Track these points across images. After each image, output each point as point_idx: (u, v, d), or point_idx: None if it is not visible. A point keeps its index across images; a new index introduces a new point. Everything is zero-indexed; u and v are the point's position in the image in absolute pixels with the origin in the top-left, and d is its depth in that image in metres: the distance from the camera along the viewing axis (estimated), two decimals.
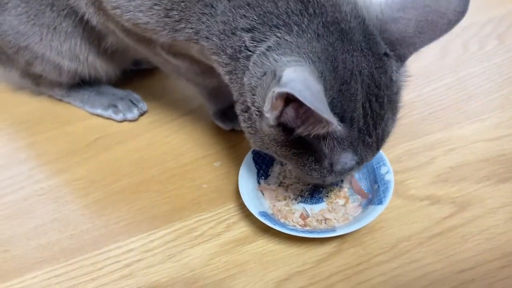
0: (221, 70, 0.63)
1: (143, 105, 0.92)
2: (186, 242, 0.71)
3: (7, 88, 0.99)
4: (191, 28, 0.62)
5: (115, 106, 0.91)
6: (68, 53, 0.84)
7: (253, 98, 0.58)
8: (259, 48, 0.57)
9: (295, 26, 0.56)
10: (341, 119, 0.56)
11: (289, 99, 0.52)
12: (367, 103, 0.58)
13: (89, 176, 0.82)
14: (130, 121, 0.91)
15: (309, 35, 0.56)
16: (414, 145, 0.81)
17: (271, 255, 0.69)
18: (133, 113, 0.91)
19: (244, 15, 0.57)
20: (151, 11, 0.63)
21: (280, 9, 0.56)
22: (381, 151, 0.74)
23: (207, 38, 0.61)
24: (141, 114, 0.92)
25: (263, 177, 0.75)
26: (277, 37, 0.56)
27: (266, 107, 0.53)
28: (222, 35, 0.59)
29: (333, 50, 0.56)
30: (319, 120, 0.52)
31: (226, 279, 0.67)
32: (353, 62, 0.56)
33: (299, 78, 0.51)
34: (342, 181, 0.74)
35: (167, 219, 0.74)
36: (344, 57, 0.56)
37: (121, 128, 0.90)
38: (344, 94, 0.56)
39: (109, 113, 0.91)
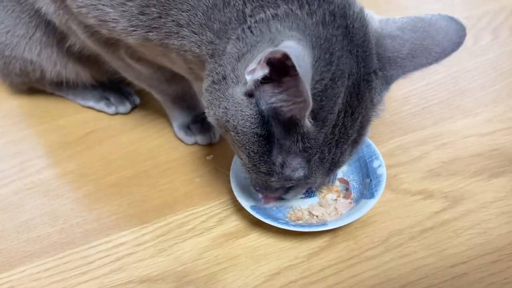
0: (203, 49, 0.59)
1: (136, 98, 0.92)
2: (178, 236, 0.71)
3: None
4: (172, 21, 0.59)
5: (108, 99, 0.91)
6: (48, 60, 0.84)
7: (237, 65, 0.55)
8: (262, 14, 0.54)
9: (306, 5, 0.54)
10: (315, 117, 0.54)
11: (274, 71, 0.50)
12: (342, 113, 0.56)
13: (80, 170, 0.82)
14: (123, 114, 0.91)
15: (317, 18, 0.54)
16: (407, 139, 0.81)
17: (263, 249, 0.69)
18: (125, 106, 0.90)
19: None
20: (123, 7, 0.61)
21: None
22: (374, 145, 0.74)
23: (188, 23, 0.58)
24: (134, 107, 0.91)
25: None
26: (289, 8, 0.54)
27: (250, 67, 0.51)
28: (211, 10, 0.57)
29: (334, 42, 0.54)
30: (298, 94, 0.49)
31: (217, 273, 0.67)
32: (346, 62, 0.55)
33: (298, 50, 0.48)
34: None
35: (158, 213, 0.74)
36: (340, 54, 0.54)
37: (113, 122, 0.90)
38: (328, 91, 0.54)
39: (102, 106, 0.91)
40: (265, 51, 0.48)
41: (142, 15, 0.60)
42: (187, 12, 0.58)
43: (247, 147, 0.57)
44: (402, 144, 0.80)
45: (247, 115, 0.55)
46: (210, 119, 0.60)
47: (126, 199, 0.77)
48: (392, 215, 0.71)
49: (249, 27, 0.55)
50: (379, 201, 0.68)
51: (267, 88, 0.52)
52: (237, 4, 0.56)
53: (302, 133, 0.55)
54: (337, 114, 0.56)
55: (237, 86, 0.55)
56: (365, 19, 0.58)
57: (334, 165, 0.60)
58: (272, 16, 0.54)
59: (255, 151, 0.57)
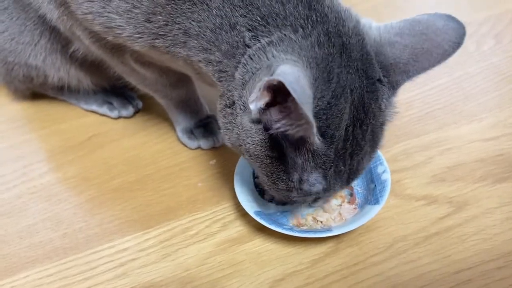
0: (210, 69, 0.60)
1: (138, 102, 0.92)
2: (181, 241, 0.71)
3: (0, 85, 0.98)
4: (179, 29, 0.59)
5: (110, 103, 0.91)
6: (52, 66, 0.84)
7: (242, 93, 0.57)
8: (258, 43, 0.56)
9: (300, 29, 0.55)
10: (322, 134, 0.55)
11: (276, 96, 0.51)
12: (350, 127, 0.56)
13: (82, 174, 0.81)
14: (125, 118, 0.90)
15: (312, 40, 0.55)
16: (410, 145, 0.80)
17: (266, 254, 0.68)
18: (128, 110, 0.90)
19: (245, 15, 0.56)
20: (129, 14, 0.60)
21: (287, 11, 0.55)
22: (378, 151, 0.73)
23: (197, 35, 0.59)
24: (136, 111, 0.91)
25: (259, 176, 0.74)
26: (282, 33, 0.55)
27: (252, 97, 0.52)
28: (218, 30, 0.57)
29: (331, 61, 0.55)
30: (299, 117, 0.50)
31: (221, 279, 0.66)
32: (347, 78, 0.55)
33: (293, 74, 0.50)
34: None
35: (162, 218, 0.74)
36: (339, 71, 0.55)
37: (116, 126, 0.89)
38: (332, 108, 0.54)
39: (104, 109, 0.90)
40: (263, 80, 0.49)
41: (149, 22, 0.60)
42: (197, 22, 0.58)
43: (263, 168, 0.59)
44: (406, 149, 0.80)
45: (258, 140, 0.57)
46: (226, 142, 0.62)
47: (129, 204, 0.76)
48: (396, 220, 0.71)
49: (250, 55, 0.56)
50: (383, 206, 0.67)
51: (273, 113, 0.53)
52: (241, 30, 0.56)
53: (312, 151, 0.56)
54: (345, 129, 0.56)
55: (244, 114, 0.57)
56: (361, 32, 0.58)
57: (353, 175, 0.61)
58: (267, 43, 0.55)
59: (272, 171, 0.59)
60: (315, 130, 0.51)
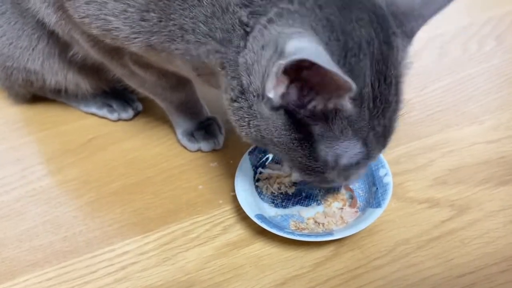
0: (211, 59, 0.58)
1: (138, 105, 0.91)
2: (182, 245, 0.70)
3: None
4: (174, 25, 0.58)
5: (110, 105, 0.90)
6: (50, 70, 0.84)
7: (249, 79, 0.54)
8: (258, 23, 0.53)
9: None
10: (351, 96, 0.51)
11: (294, 73, 0.48)
12: (376, 82, 0.53)
13: (82, 177, 0.81)
14: (125, 120, 0.90)
15: (311, 2, 0.52)
16: (412, 147, 0.80)
17: (267, 258, 0.68)
18: (128, 112, 0.90)
19: None
20: (124, 14, 0.60)
21: None
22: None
23: (193, 30, 0.57)
24: (136, 114, 0.91)
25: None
26: (279, 7, 0.52)
27: (269, 85, 0.49)
28: (210, 19, 0.56)
29: (339, 18, 0.52)
30: (337, 84, 0.47)
31: (222, 283, 0.66)
32: (361, 32, 0.52)
33: (307, 46, 0.48)
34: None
35: (162, 221, 0.73)
36: (351, 27, 0.52)
37: (116, 128, 0.89)
38: (353, 67, 0.51)
39: (104, 112, 0.90)
40: (277, 65, 0.47)
41: (143, 21, 0.60)
42: (190, 18, 0.57)
43: (292, 154, 0.57)
44: (408, 151, 0.79)
45: (280, 125, 0.54)
46: (244, 139, 0.60)
47: (129, 207, 0.76)
48: (398, 224, 0.70)
49: (253, 35, 0.54)
50: (385, 209, 0.67)
51: (293, 92, 0.51)
52: (235, 10, 0.54)
53: (347, 118, 0.53)
54: (371, 86, 0.53)
55: (260, 102, 0.54)
56: None
57: (389, 134, 0.58)
58: (267, 21, 0.53)
59: (302, 155, 0.56)
60: (354, 88, 0.47)
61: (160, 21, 0.59)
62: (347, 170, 0.59)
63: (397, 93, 0.57)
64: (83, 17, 0.64)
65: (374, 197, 0.70)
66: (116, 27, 0.62)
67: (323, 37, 0.51)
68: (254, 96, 0.55)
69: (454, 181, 0.75)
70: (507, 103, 0.86)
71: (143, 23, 0.60)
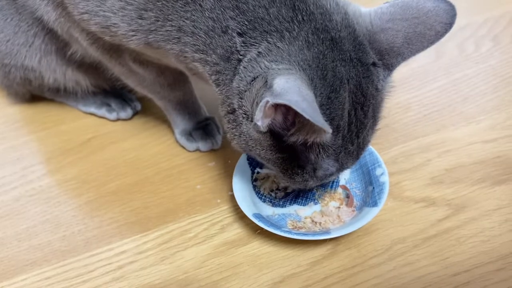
0: (207, 69, 0.61)
1: (137, 104, 0.92)
2: (180, 243, 0.71)
3: None
4: (172, 26, 0.60)
5: (109, 105, 0.90)
6: (48, 68, 0.84)
7: (241, 102, 0.58)
8: (249, 53, 0.57)
9: (286, 33, 0.56)
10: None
11: (280, 106, 0.52)
12: (352, 111, 0.59)
13: (81, 177, 0.81)
14: (124, 120, 0.90)
15: (300, 43, 0.56)
16: (409, 147, 0.80)
17: (265, 257, 0.68)
18: (126, 112, 0.90)
19: (234, 18, 0.57)
20: (123, 12, 0.61)
21: (271, 15, 0.56)
22: (377, 153, 0.74)
23: (192, 33, 0.59)
24: (135, 113, 0.91)
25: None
26: (268, 43, 0.56)
27: (258, 116, 0.53)
28: (212, 32, 0.58)
29: (323, 58, 0.56)
30: (314, 129, 0.53)
31: (219, 282, 0.66)
32: (342, 71, 0.57)
33: (294, 89, 0.51)
34: (334, 183, 0.74)
35: (160, 220, 0.74)
36: (334, 65, 0.57)
37: (115, 128, 0.89)
38: (333, 102, 0.56)
39: (103, 111, 0.90)
40: (265, 100, 0.51)
41: (141, 19, 0.61)
42: (191, 21, 0.59)
43: (276, 167, 0.62)
44: (405, 151, 0.80)
45: (267, 146, 0.60)
46: (234, 147, 0.64)
47: (127, 206, 0.76)
48: (394, 223, 0.71)
49: (243, 65, 0.57)
50: (381, 208, 0.67)
51: (278, 118, 0.55)
52: (233, 35, 0.57)
53: (322, 144, 0.58)
54: (348, 115, 0.58)
55: (249, 123, 0.58)
56: (351, 24, 0.58)
57: (361, 150, 0.63)
58: (257, 54, 0.56)
59: (285, 168, 0.62)
60: (331, 130, 0.52)
61: (157, 21, 0.60)
62: (324, 180, 0.65)
63: (374, 115, 0.62)
64: (83, 13, 0.64)
65: (370, 196, 0.70)
66: (114, 24, 0.63)
67: (309, 73, 0.55)
68: (243, 118, 0.59)
69: (450, 181, 0.75)
70: (503, 103, 0.86)
71: (140, 21, 0.61)
